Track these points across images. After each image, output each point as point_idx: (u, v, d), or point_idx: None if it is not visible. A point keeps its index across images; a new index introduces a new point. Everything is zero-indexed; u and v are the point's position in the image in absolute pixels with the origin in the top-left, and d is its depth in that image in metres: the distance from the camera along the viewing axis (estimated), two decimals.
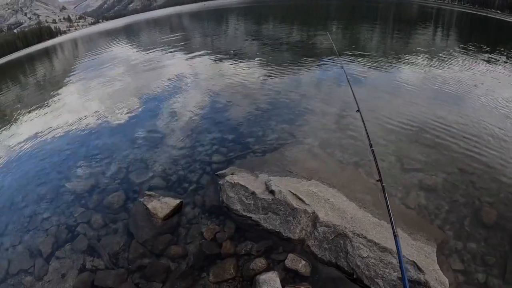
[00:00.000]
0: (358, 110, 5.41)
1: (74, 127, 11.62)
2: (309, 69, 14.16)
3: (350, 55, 16.42)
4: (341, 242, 4.58)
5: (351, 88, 6.32)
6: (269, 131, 8.29)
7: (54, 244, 5.84)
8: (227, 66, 16.28)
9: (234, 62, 17.04)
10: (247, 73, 14.33)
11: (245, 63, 16.37)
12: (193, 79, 14.82)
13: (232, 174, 6.28)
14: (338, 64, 13.73)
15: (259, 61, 16.57)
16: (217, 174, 6.72)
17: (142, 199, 6.28)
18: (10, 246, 6.08)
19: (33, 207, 7.10)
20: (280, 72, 14.31)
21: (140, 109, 11.96)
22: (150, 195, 6.27)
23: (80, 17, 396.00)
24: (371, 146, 4.48)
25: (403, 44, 20.79)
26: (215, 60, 18.31)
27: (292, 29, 31.95)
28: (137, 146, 8.66)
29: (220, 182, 6.19)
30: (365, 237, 4.46)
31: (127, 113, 11.77)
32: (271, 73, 14.23)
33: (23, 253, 5.83)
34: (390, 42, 21.98)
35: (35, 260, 5.58)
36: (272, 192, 5.42)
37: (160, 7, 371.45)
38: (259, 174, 6.21)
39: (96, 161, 8.38)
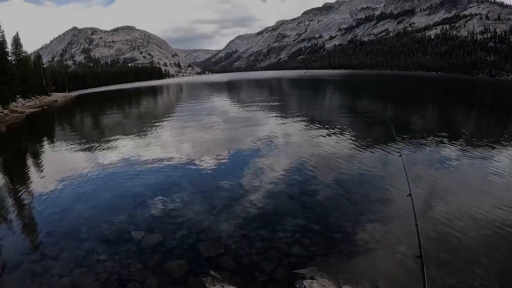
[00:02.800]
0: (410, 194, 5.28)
1: (159, 167, 12.72)
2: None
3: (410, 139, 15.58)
4: None
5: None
6: (359, 229, 7.48)
7: None
8: (317, 135, 16.84)
9: (324, 132, 17.56)
10: (336, 147, 14.44)
11: (334, 136, 16.78)
12: (283, 144, 15.46)
13: (312, 278, 5.65)
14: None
15: (349, 135, 16.87)
16: (294, 272, 6.12)
17: (205, 279, 6.02)
18: (58, 274, 6.26)
19: (93, 243, 7.30)
20: (367, 148, 14.27)
21: (226, 165, 12.57)
22: (214, 277, 5.97)
23: (189, 65, 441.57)
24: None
25: (489, 132, 18.92)
26: (306, 127, 19.25)
27: (378, 104, 31.52)
28: (215, 213, 8.62)
29: (297, 285, 5.51)
30: None
31: (213, 166, 12.42)
32: (359, 149, 14.25)
33: (64, 284, 5.94)
34: (476, 127, 20.46)
35: None
36: None
37: (263, 68, 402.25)
38: (342, 286, 5.38)
39: (170, 216, 8.49)
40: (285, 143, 15.44)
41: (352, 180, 10.40)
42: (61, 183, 11.95)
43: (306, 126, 19.35)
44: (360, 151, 13.77)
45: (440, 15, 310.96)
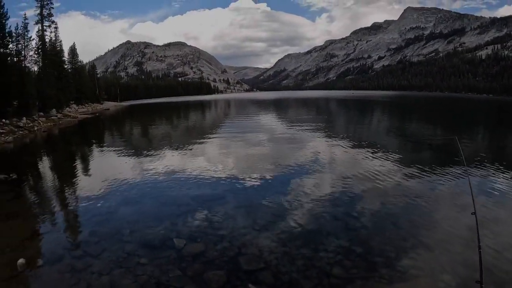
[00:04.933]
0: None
1: (204, 179, 12.94)
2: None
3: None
4: None
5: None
6: (402, 254, 7.07)
7: None
8: (363, 157, 16.36)
9: (370, 154, 16.95)
10: (382, 169, 13.82)
11: (380, 157, 16.17)
12: (328, 164, 15.25)
13: None
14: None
15: (396, 158, 16.29)
16: None
17: None
18: (97, 272, 6.43)
19: (135, 246, 7.45)
20: (414, 171, 13.58)
21: (270, 182, 12.52)
22: None
23: (237, 82, 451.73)
24: None
25: None
26: (352, 147, 18.83)
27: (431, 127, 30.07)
28: (258, 227, 8.51)
29: None
30: None
31: (257, 182, 12.41)
32: (406, 172, 13.58)
33: (105, 285, 6.04)
34: None
35: None
36: None
37: (310, 88, 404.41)
38: None
39: (212, 227, 8.50)
40: (330, 163, 15.31)
41: (397, 203, 10.07)
42: (108, 186, 12.47)
43: (352, 146, 19.05)
44: (407, 174, 13.27)
45: (491, 34, 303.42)
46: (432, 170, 13.67)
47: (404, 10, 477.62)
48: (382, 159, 15.59)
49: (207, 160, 16.56)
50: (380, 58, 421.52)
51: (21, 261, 6.67)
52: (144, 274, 6.34)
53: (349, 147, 18.72)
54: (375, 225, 8.52)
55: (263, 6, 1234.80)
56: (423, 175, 13.07)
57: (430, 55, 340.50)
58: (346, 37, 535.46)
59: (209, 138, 24.90)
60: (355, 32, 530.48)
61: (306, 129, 26.75)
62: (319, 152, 17.20)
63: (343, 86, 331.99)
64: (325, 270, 6.54)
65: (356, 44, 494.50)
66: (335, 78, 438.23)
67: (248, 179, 12.69)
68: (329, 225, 8.48)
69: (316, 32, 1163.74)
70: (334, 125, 31.40)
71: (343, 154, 17.16)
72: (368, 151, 17.52)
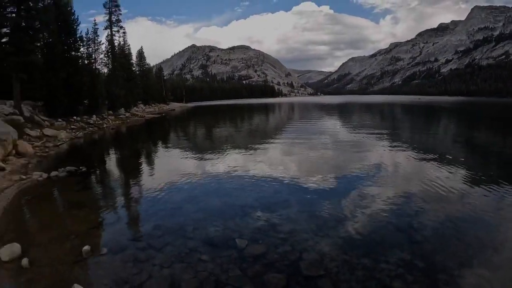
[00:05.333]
0: None
1: (268, 182, 12.89)
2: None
3: None
4: None
5: None
6: (466, 272, 6.60)
7: None
8: (429, 167, 15.28)
9: (437, 164, 15.76)
10: (449, 181, 12.79)
11: (448, 169, 14.86)
12: (392, 173, 14.51)
13: None
14: None
15: (464, 170, 14.91)
16: None
17: None
18: (159, 264, 6.67)
19: (197, 243, 7.60)
20: (485, 185, 12.49)
21: (333, 188, 12.18)
22: None
23: (301, 86, 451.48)
24: None
25: None
26: (418, 157, 17.70)
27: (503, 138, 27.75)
28: (320, 234, 8.30)
29: None
30: None
31: (320, 188, 12.13)
32: (475, 186, 12.50)
33: (166, 278, 6.24)
34: None
35: None
36: None
37: (375, 92, 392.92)
38: None
39: (275, 230, 8.43)
40: (394, 172, 14.74)
41: (463, 218, 9.42)
42: (173, 183, 12.88)
43: (418, 155, 18.08)
44: (476, 187, 12.25)
45: None
46: (503, 185, 12.59)
47: (471, 9, 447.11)
48: (449, 170, 14.66)
49: (270, 162, 16.55)
50: (447, 61, 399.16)
51: (86, 248, 6.99)
52: (205, 270, 6.43)
53: (415, 156, 17.87)
54: (440, 239, 8.11)
55: (325, 8, 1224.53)
56: (493, 189, 12.07)
57: (500, 57, 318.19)
58: (412, 39, 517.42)
59: (272, 141, 25.01)
60: (420, 34, 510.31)
61: (370, 135, 26.01)
62: (383, 160, 16.65)
63: (409, 91, 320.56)
64: (385, 282, 6.34)
65: (422, 47, 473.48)
66: (400, 82, 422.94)
67: (311, 183, 12.54)
68: (392, 236, 8.20)
69: (381, 35, 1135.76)
70: (399, 132, 30.15)
71: (408, 162, 16.49)
72: (434, 160, 16.61)
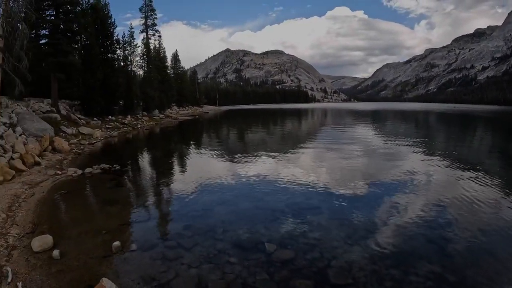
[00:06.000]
0: None
1: (299, 188, 12.80)
2: None
3: None
4: None
5: None
6: None
7: None
8: (463, 178, 14.67)
9: (471, 176, 15.07)
10: (483, 194, 12.19)
11: (482, 181, 14.18)
12: (424, 183, 14.00)
13: None
14: None
15: (500, 182, 14.24)
16: None
17: None
18: (187, 263, 6.73)
19: (226, 245, 7.63)
20: None
21: (364, 197, 12.01)
22: None
23: (335, 92, 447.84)
24: None
25: None
26: (451, 168, 16.94)
27: None
28: (350, 242, 8.16)
29: None
30: None
31: (351, 196, 12.00)
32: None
33: (193, 278, 6.28)
34: None
35: None
36: None
37: (410, 100, 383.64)
38: None
39: (304, 236, 8.36)
40: (426, 182, 14.30)
41: (496, 233, 9.00)
42: (204, 184, 13.00)
43: (452, 166, 17.37)
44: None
45: None
46: None
47: (508, 14, 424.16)
48: (484, 183, 14.06)
49: (302, 168, 16.44)
50: (484, 68, 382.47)
51: (116, 243, 7.13)
52: (232, 272, 6.43)
53: (449, 167, 17.25)
54: (471, 254, 7.84)
55: (360, 13, 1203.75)
56: None
57: None
58: (447, 45, 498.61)
59: (304, 146, 24.94)
60: (456, 40, 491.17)
61: (403, 144, 25.35)
62: (416, 170, 16.22)
63: (444, 99, 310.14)
64: None
65: (458, 53, 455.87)
66: (435, 89, 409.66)
67: (342, 191, 12.40)
68: (422, 248, 7.98)
69: (415, 40, 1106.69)
70: (433, 142, 29.17)
71: (441, 173, 15.97)
72: (469, 171, 16.01)
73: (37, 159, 15.59)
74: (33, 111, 24.58)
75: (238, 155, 20.64)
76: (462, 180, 14.42)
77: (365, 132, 36.91)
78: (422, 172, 15.80)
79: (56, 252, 6.74)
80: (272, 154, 20.75)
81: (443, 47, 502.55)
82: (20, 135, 17.52)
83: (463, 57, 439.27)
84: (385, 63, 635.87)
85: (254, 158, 19.24)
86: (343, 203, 11.09)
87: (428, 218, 9.85)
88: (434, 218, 9.89)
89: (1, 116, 18.82)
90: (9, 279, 5.79)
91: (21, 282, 5.75)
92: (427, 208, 10.73)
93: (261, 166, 16.74)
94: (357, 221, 9.49)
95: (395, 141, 27.56)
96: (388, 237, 8.49)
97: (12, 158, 14.26)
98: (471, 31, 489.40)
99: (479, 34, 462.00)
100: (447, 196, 11.91)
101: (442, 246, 8.10)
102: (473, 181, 14.20)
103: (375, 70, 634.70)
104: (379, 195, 12.09)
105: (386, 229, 9.02)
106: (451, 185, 13.64)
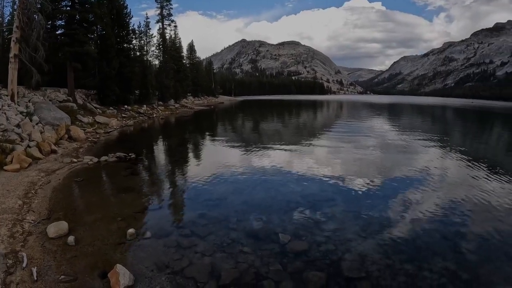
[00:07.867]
0: None
1: (314, 179, 12.84)
2: None
3: None
4: None
5: None
6: None
7: (234, 279, 5.99)
8: (479, 176, 14.34)
9: (487, 173, 14.78)
10: (500, 192, 12.01)
11: (499, 179, 13.91)
12: (440, 179, 13.77)
13: None
14: None
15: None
16: None
17: None
18: (201, 252, 6.79)
19: (240, 235, 7.66)
20: None
21: (380, 190, 11.87)
22: None
23: (351, 84, 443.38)
24: None
25: None
26: (468, 165, 16.62)
27: None
28: (364, 235, 8.12)
29: None
30: None
31: (367, 189, 11.87)
32: None
33: (206, 266, 6.32)
34: None
35: (209, 279, 5.98)
36: None
37: (427, 94, 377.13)
38: None
39: (319, 228, 8.35)
40: (442, 179, 14.05)
41: None
42: (219, 174, 13.03)
43: (468, 163, 17.00)
44: None
45: None
46: None
47: None
48: (500, 181, 13.76)
49: (317, 160, 16.39)
50: (503, 63, 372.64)
51: (130, 230, 7.21)
52: (245, 262, 6.45)
53: (465, 163, 16.97)
54: (486, 252, 7.72)
55: (378, 5, 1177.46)
56: None
57: None
58: (466, 39, 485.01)
59: (319, 138, 24.95)
60: (475, 34, 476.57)
61: (419, 139, 24.99)
62: (432, 165, 16.01)
63: (462, 94, 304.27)
64: None
65: (477, 47, 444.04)
66: (453, 84, 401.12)
67: (357, 184, 12.33)
68: (437, 244, 7.89)
69: (434, 33, 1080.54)
70: (450, 137, 28.60)
71: (458, 170, 15.76)
72: (485, 169, 15.72)
73: (54, 147, 15.80)
74: (50, 100, 25.04)
75: (253, 145, 20.63)
76: (479, 177, 14.14)
77: (381, 125, 36.62)
78: (438, 167, 15.61)
79: (71, 238, 6.82)
80: (287, 145, 20.77)
81: (462, 41, 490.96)
82: (37, 123, 17.79)
83: (482, 51, 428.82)
84: (402, 56, 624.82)
85: (269, 149, 19.24)
86: (358, 196, 11.05)
87: (443, 214, 9.76)
88: (449, 214, 9.79)
89: (18, 105, 19.17)
90: (24, 264, 5.88)
91: (36, 267, 5.84)
92: (442, 204, 10.62)
93: (276, 157, 16.73)
94: (372, 214, 9.44)
95: (411, 135, 27.16)
96: (402, 231, 8.43)
97: (29, 146, 14.47)
98: (491, 25, 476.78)
99: (498, 29, 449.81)
100: (463, 193, 11.75)
101: (457, 243, 8.03)
102: (490, 179, 13.92)
103: (392, 62, 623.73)
104: (395, 189, 12.02)
105: (400, 223, 8.96)
106: (467, 182, 13.40)
